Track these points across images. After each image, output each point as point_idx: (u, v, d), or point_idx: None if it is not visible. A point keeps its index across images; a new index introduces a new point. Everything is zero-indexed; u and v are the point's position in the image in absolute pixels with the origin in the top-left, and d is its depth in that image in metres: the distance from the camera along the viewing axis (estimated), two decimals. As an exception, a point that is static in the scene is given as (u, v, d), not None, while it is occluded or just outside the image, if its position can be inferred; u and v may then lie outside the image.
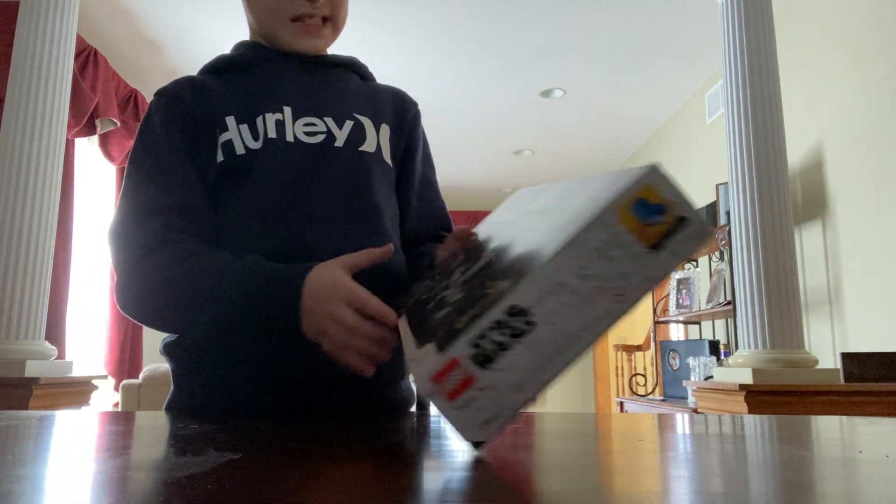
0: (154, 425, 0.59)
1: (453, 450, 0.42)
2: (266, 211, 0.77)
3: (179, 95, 0.81)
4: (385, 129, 0.88)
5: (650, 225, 0.38)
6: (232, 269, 0.68)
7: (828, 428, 0.59)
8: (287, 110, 0.81)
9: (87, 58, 3.31)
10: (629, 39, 3.79)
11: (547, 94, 4.51)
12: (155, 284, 0.71)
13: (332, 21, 0.84)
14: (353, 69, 0.92)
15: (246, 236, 0.76)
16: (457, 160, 5.77)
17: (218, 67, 0.86)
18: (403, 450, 0.44)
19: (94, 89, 3.30)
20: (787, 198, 2.46)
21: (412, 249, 0.89)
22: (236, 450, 0.43)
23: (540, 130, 5.19)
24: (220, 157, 0.78)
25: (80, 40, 3.16)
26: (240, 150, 0.78)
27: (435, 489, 0.31)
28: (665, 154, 5.04)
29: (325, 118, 0.82)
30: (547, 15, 3.54)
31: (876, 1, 2.74)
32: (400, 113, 0.92)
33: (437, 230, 0.93)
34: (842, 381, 2.32)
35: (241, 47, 0.88)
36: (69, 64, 2.53)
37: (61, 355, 3.04)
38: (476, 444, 0.38)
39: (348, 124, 0.83)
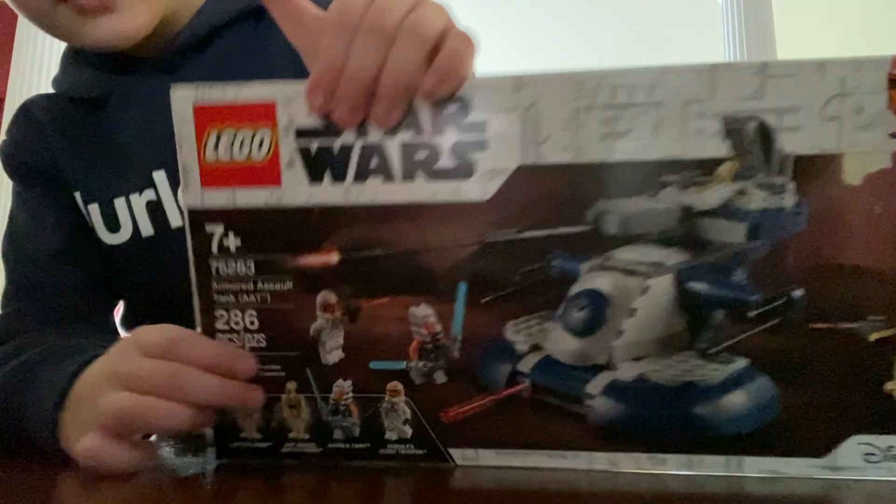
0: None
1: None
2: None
3: (18, 154, 0.61)
4: None
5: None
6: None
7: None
8: (160, 178, 0.56)
9: (87, 58, 3.31)
10: (629, 39, 3.79)
11: (547, 94, 4.52)
12: None
13: None
14: (243, 18, 0.59)
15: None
16: (457, 160, 5.78)
17: (57, 97, 0.61)
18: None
19: (94, 89, 3.30)
20: (787, 198, 2.46)
21: None
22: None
23: (540, 130, 5.20)
24: (103, 237, 0.58)
25: (80, 40, 3.16)
26: (108, 241, 0.57)
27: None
28: (665, 154, 5.04)
29: None
30: (546, 14, 3.53)
31: (876, 1, 2.74)
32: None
33: None
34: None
35: (74, 67, 0.60)
36: (69, 64, 2.54)
37: (61, 355, 3.04)
38: None
39: None
